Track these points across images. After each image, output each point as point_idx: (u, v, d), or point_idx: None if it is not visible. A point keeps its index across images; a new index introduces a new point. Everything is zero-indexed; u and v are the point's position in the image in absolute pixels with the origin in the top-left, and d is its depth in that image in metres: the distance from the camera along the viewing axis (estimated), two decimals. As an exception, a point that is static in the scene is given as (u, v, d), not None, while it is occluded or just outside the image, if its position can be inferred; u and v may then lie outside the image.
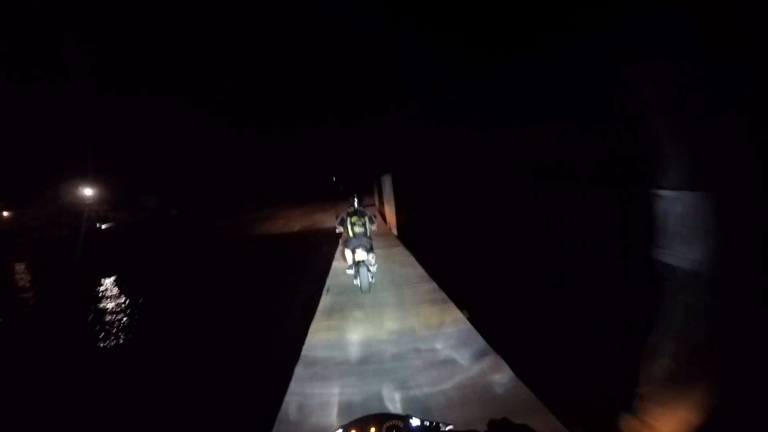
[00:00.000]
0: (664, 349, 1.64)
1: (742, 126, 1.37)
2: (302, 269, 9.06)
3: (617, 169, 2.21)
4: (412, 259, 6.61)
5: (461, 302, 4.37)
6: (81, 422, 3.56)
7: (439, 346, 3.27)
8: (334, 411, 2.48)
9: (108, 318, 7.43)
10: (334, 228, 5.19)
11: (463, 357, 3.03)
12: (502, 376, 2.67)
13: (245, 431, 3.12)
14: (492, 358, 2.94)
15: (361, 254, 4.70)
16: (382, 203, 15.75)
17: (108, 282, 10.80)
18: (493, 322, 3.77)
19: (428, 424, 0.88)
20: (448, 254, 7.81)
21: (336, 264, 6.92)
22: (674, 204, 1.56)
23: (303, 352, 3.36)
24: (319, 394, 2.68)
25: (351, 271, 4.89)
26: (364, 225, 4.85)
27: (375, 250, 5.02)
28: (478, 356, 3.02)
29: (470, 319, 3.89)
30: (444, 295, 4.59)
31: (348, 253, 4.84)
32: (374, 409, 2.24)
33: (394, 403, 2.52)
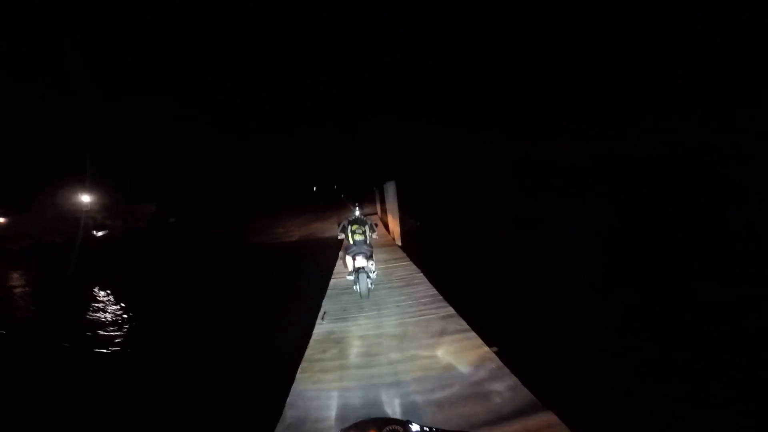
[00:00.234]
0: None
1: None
2: (300, 281, 8.32)
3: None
4: (420, 276, 5.82)
5: (483, 329, 3.62)
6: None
7: (465, 398, 2.50)
8: None
9: (89, 334, 6.94)
10: (336, 236, 5.33)
11: (502, 416, 2.26)
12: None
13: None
14: (545, 417, 2.19)
15: (360, 261, 4.80)
16: (384, 212, 15.01)
17: (98, 293, 10.12)
18: (529, 362, 3.03)
19: (428, 430, 0.85)
20: (461, 268, 7.11)
21: (335, 281, 6.14)
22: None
23: (285, 411, 2.60)
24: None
25: (351, 277, 4.98)
26: (364, 233, 4.95)
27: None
28: (523, 413, 2.26)
29: (501, 356, 3.12)
30: (463, 323, 3.82)
31: (348, 259, 4.94)
32: None
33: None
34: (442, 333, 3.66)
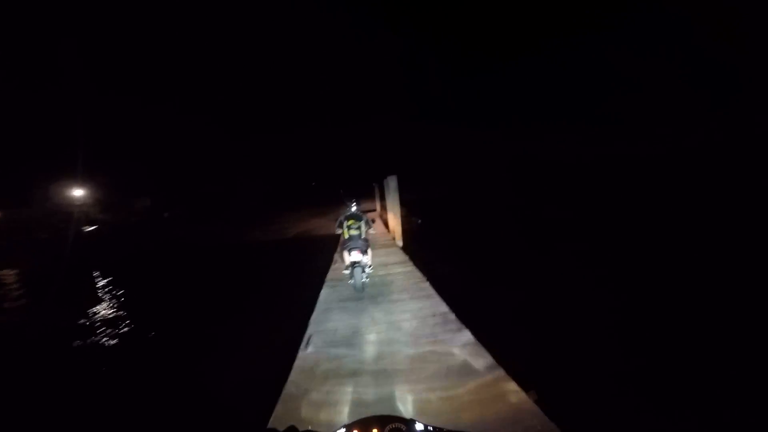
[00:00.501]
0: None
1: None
2: (290, 284, 7.47)
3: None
4: (426, 286, 4.96)
5: (514, 367, 2.77)
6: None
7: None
8: None
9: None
10: (335, 231, 5.42)
11: None
12: None
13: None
14: None
15: (356, 255, 4.87)
16: (384, 209, 14.13)
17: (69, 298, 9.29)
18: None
19: (432, 429, 0.84)
20: (472, 276, 6.26)
21: (326, 292, 5.27)
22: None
23: None
24: None
25: (347, 272, 5.07)
26: (359, 228, 5.06)
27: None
28: None
29: (542, 404, 2.30)
30: (486, 355, 2.97)
31: (345, 254, 5.02)
32: None
33: None
34: (462, 371, 2.81)
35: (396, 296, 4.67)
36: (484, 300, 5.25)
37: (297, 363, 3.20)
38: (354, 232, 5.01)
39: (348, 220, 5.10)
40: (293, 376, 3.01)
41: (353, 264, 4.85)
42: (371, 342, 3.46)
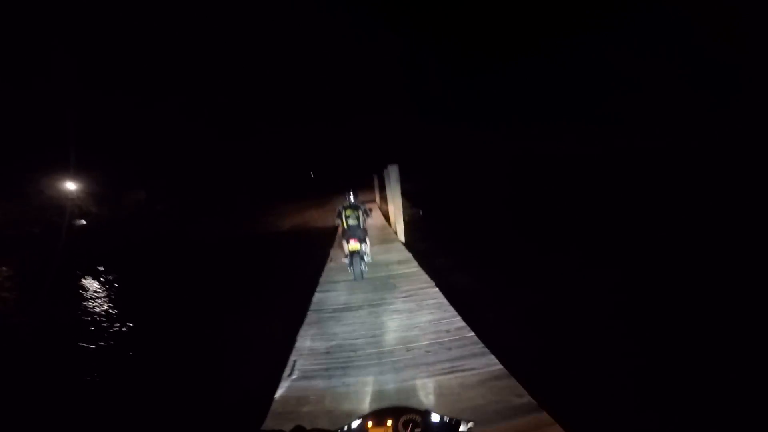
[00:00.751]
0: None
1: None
2: (277, 287, 6.77)
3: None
4: (434, 292, 4.25)
5: (558, 407, 2.10)
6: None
7: None
8: None
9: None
10: (333, 223, 5.72)
11: None
12: None
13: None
14: None
15: (354, 244, 4.95)
16: (384, 200, 13.40)
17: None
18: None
19: (448, 420, 0.81)
20: (486, 281, 5.57)
21: (318, 299, 4.57)
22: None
23: None
24: None
25: (346, 260, 5.17)
26: (357, 218, 5.12)
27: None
28: None
29: None
30: (522, 392, 2.28)
31: (344, 243, 5.10)
32: None
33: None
34: (494, 410, 2.13)
35: (401, 305, 3.97)
36: (500, 315, 4.55)
37: (278, 395, 2.52)
38: (352, 222, 5.10)
39: (346, 210, 5.18)
40: (271, 414, 2.33)
41: (352, 253, 4.99)
42: (372, 367, 2.77)
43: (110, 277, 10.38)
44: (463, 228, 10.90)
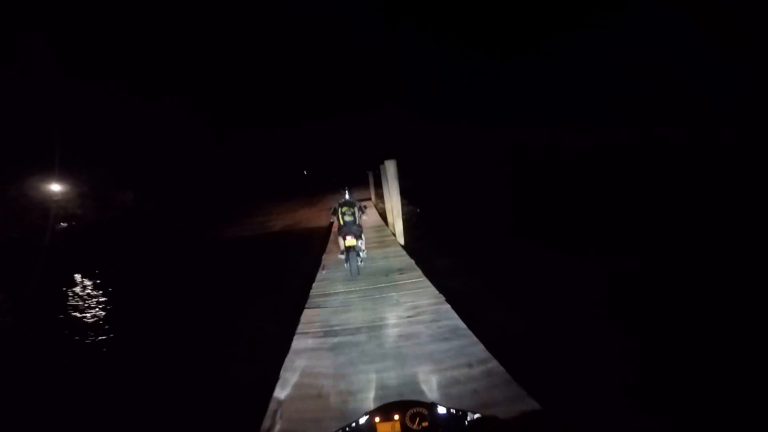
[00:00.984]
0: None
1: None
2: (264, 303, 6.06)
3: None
4: (446, 309, 3.59)
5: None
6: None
7: None
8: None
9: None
10: (328, 220, 5.82)
11: None
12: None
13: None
14: None
15: (350, 240, 4.96)
16: (380, 197, 12.69)
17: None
18: None
19: (454, 412, 0.82)
20: (505, 294, 4.92)
21: (308, 316, 3.87)
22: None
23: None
24: None
25: (342, 256, 5.13)
26: (353, 214, 5.14)
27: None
28: None
29: None
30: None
31: (340, 240, 5.10)
32: None
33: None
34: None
35: (407, 328, 3.29)
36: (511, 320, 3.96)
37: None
38: (348, 219, 5.09)
39: (341, 207, 5.20)
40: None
41: (348, 249, 4.96)
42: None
43: (94, 281, 9.71)
44: (463, 228, 10.25)
